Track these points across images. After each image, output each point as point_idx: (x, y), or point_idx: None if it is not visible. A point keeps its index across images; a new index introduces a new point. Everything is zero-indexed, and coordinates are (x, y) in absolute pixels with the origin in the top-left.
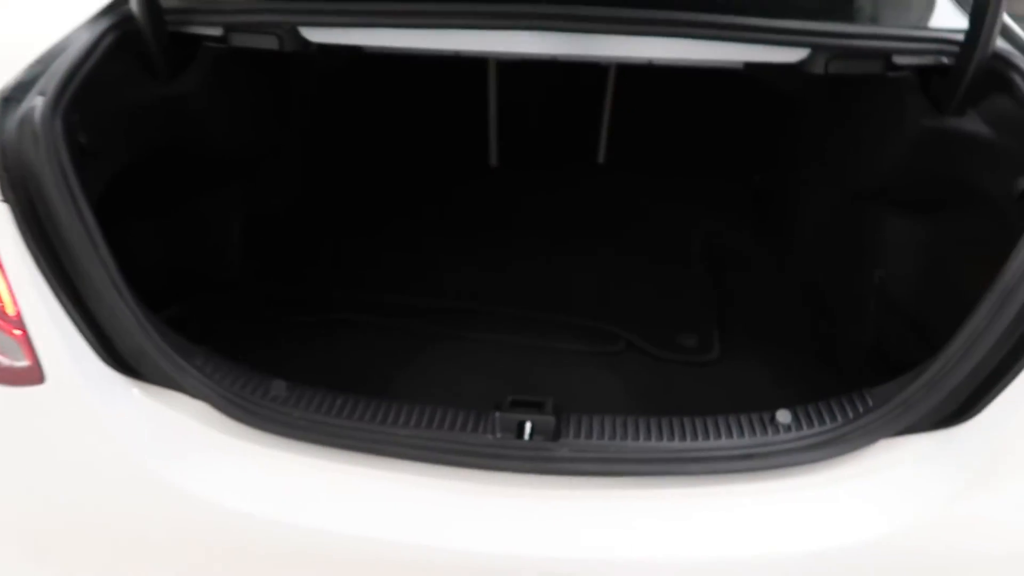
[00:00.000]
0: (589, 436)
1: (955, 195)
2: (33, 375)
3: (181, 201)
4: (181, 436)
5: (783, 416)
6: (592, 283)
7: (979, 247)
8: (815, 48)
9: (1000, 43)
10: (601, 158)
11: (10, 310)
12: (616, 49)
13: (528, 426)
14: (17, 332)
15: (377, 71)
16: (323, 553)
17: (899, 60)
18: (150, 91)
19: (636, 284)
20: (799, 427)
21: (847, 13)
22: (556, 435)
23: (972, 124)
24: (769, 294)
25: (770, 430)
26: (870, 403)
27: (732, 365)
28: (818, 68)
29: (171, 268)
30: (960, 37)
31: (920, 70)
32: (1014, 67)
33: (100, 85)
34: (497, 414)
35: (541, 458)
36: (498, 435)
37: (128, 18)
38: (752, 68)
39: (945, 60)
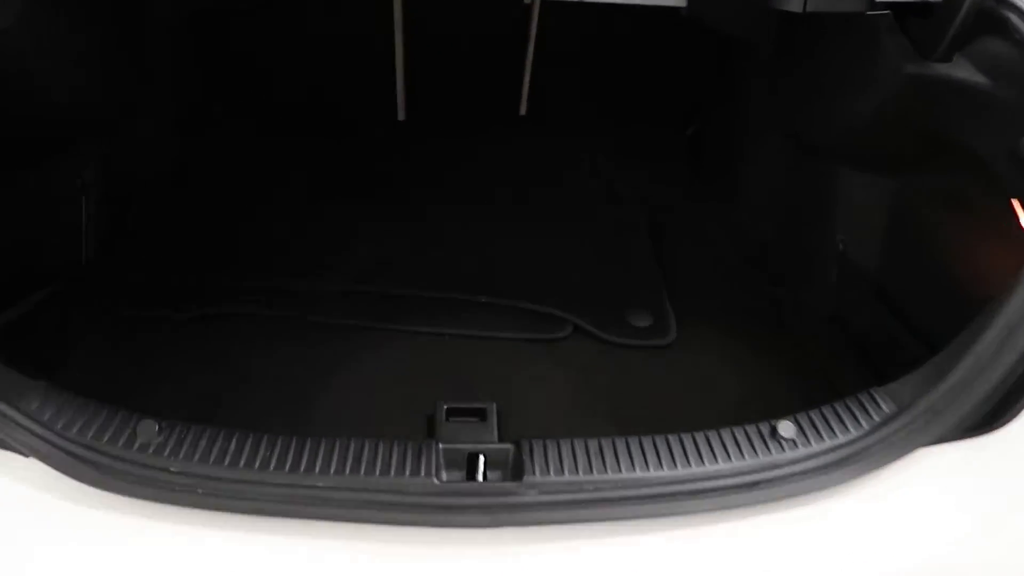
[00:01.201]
0: (560, 469)
1: (932, 151)
2: None
3: (13, 167)
4: (3, 512)
5: (786, 429)
6: (522, 255)
7: (958, 210)
8: None
9: None
10: (523, 109)
11: None
12: None
13: (481, 461)
14: None
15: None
16: None
17: None
18: None
19: (572, 254)
20: (806, 442)
21: None
22: (517, 471)
23: (962, 71)
24: (714, 259)
25: (773, 447)
26: (887, 408)
27: (690, 346)
28: (794, 5)
29: (3, 254)
30: None
31: (900, 8)
32: (1008, 4)
33: None
34: (440, 446)
35: (503, 506)
36: (443, 476)
37: None
38: (698, 6)
39: None
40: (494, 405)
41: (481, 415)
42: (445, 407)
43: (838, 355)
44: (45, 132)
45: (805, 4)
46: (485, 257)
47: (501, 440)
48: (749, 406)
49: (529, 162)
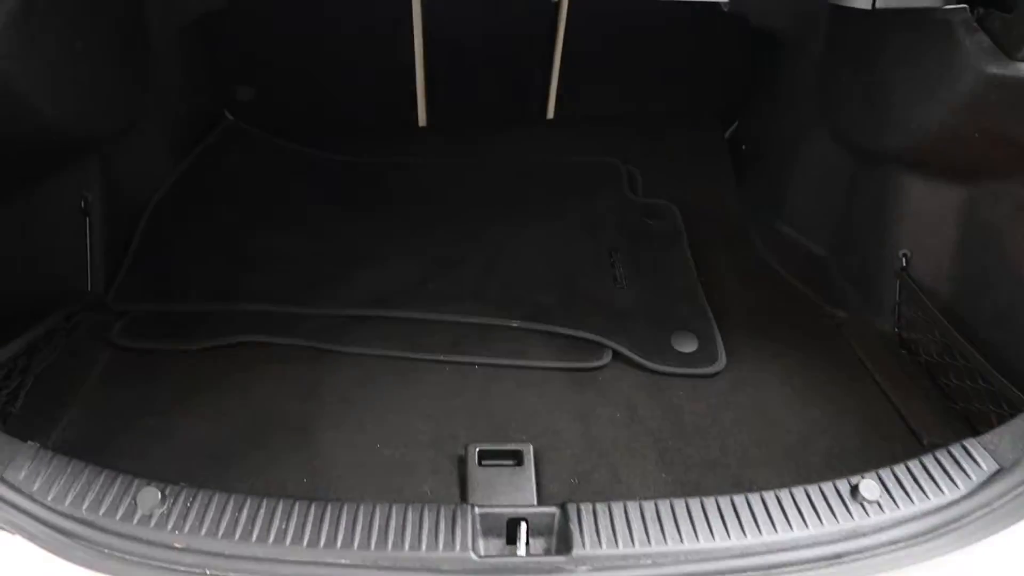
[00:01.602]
0: (613, 540)
1: (1014, 158)
2: None
3: (13, 188)
4: None
5: (869, 489)
6: (555, 274)
7: None
8: None
9: None
10: (551, 113)
11: None
12: None
13: (524, 530)
14: None
15: (269, 6)
16: None
17: None
18: None
19: (606, 270)
20: (893, 504)
21: None
22: (564, 541)
23: None
24: (761, 274)
25: (855, 511)
26: (986, 466)
27: (742, 375)
28: (862, 2)
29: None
30: None
31: (979, 3)
32: None
33: None
34: (476, 510)
35: None
36: (481, 548)
37: None
38: (743, 2)
39: None
40: (530, 447)
41: (516, 458)
42: (477, 449)
43: (907, 385)
44: (44, 150)
45: (875, 1)
46: (514, 276)
47: (540, 492)
48: (812, 445)
49: (559, 171)
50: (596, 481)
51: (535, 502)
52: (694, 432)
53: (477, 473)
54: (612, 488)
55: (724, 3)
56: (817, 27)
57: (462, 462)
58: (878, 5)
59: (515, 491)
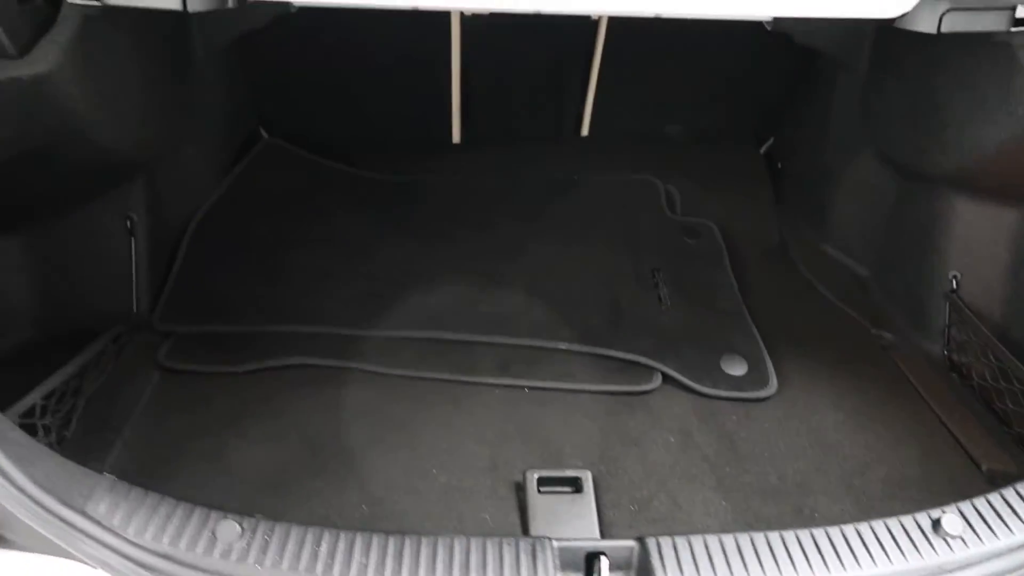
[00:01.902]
0: (696, 575)
1: None
2: None
3: (61, 211)
4: None
5: (952, 524)
6: (598, 295)
7: None
8: None
9: None
10: (586, 129)
11: None
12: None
13: (604, 565)
14: None
15: (307, 25)
16: None
17: None
18: None
19: (650, 290)
20: (977, 539)
21: None
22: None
23: None
24: (804, 294)
25: (938, 546)
26: None
27: (794, 399)
28: (925, 24)
29: (49, 303)
30: None
31: None
32: None
33: None
34: (555, 544)
35: None
36: None
37: None
38: (785, 22)
39: None
40: (589, 474)
41: (575, 485)
42: (536, 476)
43: (960, 409)
44: (97, 172)
45: (940, 25)
46: (559, 297)
47: (601, 519)
48: (870, 472)
49: (596, 189)
50: (656, 508)
51: (597, 531)
52: (750, 458)
53: (536, 500)
54: (673, 516)
55: (768, 22)
56: (863, 45)
57: (520, 489)
58: (943, 29)
59: (577, 520)
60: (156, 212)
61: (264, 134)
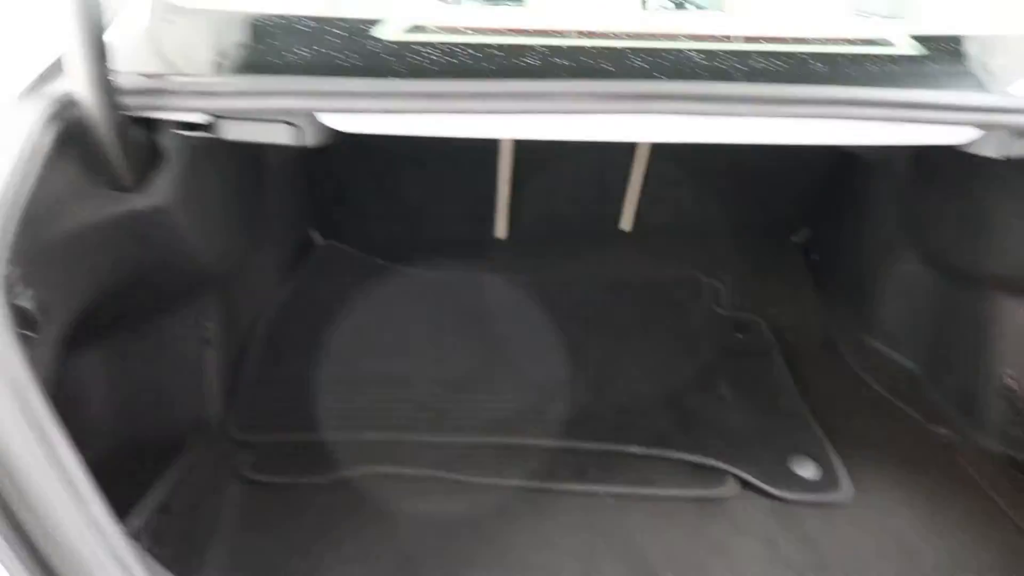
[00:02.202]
0: None
1: None
2: None
3: (139, 325)
4: None
5: None
6: (660, 392)
7: None
8: (988, 127)
9: None
10: (627, 224)
11: None
12: (708, 132)
13: None
14: None
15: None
16: None
17: None
18: (108, 209)
19: (710, 388)
20: None
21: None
22: None
23: None
24: (856, 391)
25: None
26: None
27: (871, 502)
28: (991, 150)
29: (126, 415)
30: None
31: None
32: None
33: (40, 218)
34: None
35: None
36: None
37: (69, 103)
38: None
39: None
40: None
41: None
42: None
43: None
44: (186, 285)
45: (1009, 156)
46: (623, 397)
47: None
48: None
49: (643, 285)
50: None
51: None
52: (837, 565)
53: None
54: None
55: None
56: (903, 152)
57: None
58: (1012, 155)
59: None
60: (228, 320)
61: (317, 236)
